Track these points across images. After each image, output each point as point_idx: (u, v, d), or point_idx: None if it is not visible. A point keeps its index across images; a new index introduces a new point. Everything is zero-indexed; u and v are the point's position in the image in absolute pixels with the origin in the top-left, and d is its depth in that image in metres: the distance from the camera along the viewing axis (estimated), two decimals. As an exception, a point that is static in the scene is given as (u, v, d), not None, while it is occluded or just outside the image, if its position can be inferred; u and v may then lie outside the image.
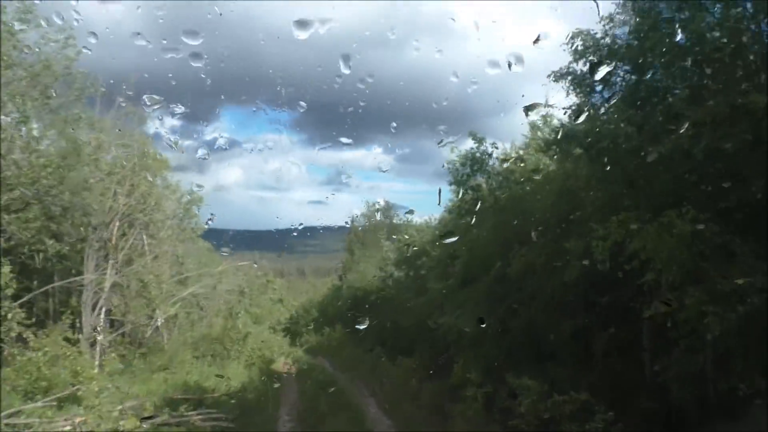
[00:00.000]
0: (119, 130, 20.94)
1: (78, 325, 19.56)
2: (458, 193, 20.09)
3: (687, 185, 10.28)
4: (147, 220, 24.55)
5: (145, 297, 21.87)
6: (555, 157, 16.54)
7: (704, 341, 9.79)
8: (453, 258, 24.39)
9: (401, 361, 27.91)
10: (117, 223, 21.24)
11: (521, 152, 19.03)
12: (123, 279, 20.97)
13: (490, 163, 19.36)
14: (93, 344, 20.45)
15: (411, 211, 36.31)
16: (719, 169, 9.76)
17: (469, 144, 19.50)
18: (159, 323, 25.93)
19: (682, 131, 10.15)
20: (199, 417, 14.09)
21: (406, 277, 36.99)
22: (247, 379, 23.68)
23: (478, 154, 19.39)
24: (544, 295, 16.65)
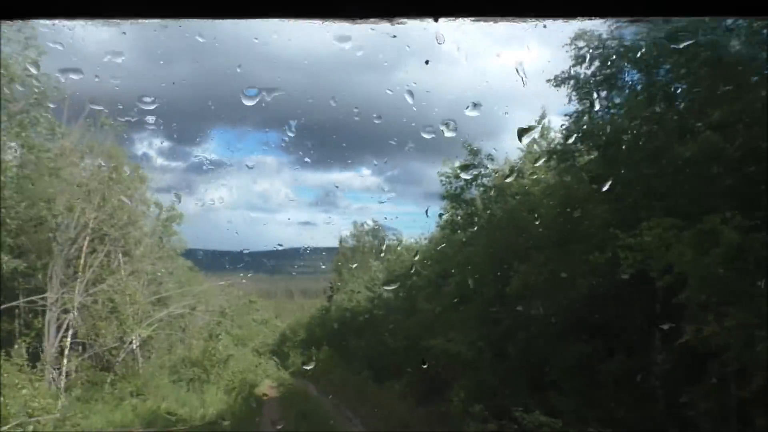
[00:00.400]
0: (85, 145, 19.31)
1: (40, 348, 17.78)
2: (451, 207, 18.68)
3: (720, 189, 8.84)
4: (119, 236, 22.87)
5: (116, 318, 20.08)
6: (554, 168, 15.15)
7: (744, 371, 8.29)
8: (445, 277, 22.86)
9: (390, 384, 26.18)
10: (86, 240, 19.50)
11: (518, 163, 17.65)
12: (91, 299, 19.20)
13: (485, 176, 17.97)
14: (58, 369, 18.62)
15: (399, 238, 34.97)
16: (757, 171, 8.36)
17: (463, 155, 18.17)
18: (135, 346, 24.10)
19: (708, 131, 8.72)
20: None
21: (395, 297, 35.37)
22: (226, 405, 21.85)
23: (472, 167, 18.01)
24: (544, 316, 15.14)
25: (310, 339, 51.24)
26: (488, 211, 17.39)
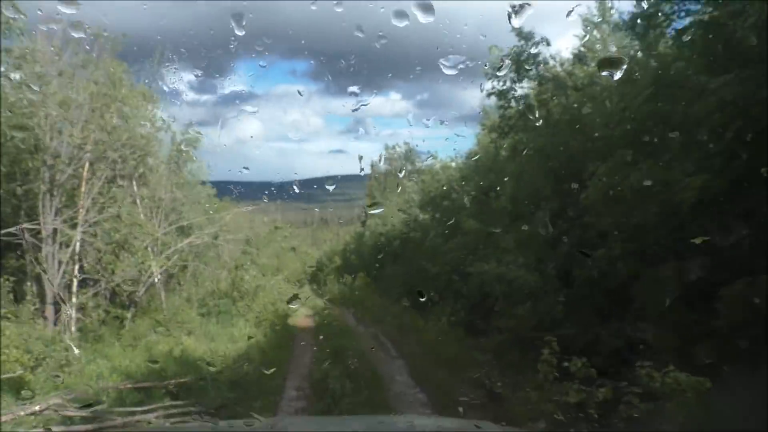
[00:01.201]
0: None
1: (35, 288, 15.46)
2: (498, 107, 15.31)
3: None
4: (124, 160, 20.14)
5: (127, 250, 17.57)
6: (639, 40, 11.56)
7: None
8: (488, 193, 19.69)
9: (431, 311, 23.63)
10: (86, 164, 16.76)
11: (582, 49, 14.03)
12: (93, 230, 16.64)
13: (540, 62, 14.41)
14: (66, 309, 16.33)
15: (434, 156, 31.34)
16: None
17: (512, 41, 14.59)
18: (156, 279, 21.79)
19: None
20: (159, 414, 9.87)
21: (431, 219, 32.43)
22: (254, 339, 19.51)
23: (524, 56, 14.52)
24: (623, 234, 11.98)
25: (346, 266, 49.11)
26: (545, 109, 14.00)
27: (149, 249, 21.18)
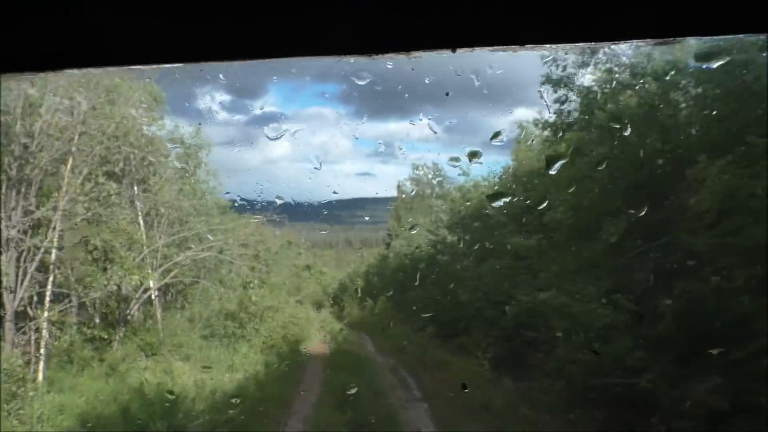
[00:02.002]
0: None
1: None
2: (555, 100, 12.24)
3: None
4: (109, 157, 17.50)
5: (110, 261, 14.75)
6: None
7: None
8: (532, 209, 16.45)
9: (460, 343, 20.36)
10: (69, 160, 14.05)
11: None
12: (73, 236, 13.87)
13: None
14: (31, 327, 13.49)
15: (465, 172, 28.21)
16: None
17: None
18: (154, 296, 18.97)
19: None
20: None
21: (460, 241, 29.25)
22: (255, 371, 16.49)
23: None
24: (729, 256, 8.75)
25: (368, 288, 45.94)
26: (615, 102, 10.86)
27: (146, 261, 18.44)
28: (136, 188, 19.03)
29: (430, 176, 50.14)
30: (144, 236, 18.89)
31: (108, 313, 17.24)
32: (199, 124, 20.32)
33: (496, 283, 19.19)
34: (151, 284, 18.45)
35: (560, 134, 12.04)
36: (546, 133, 12.56)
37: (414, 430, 11.43)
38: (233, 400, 10.90)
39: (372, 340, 28.09)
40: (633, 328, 9.76)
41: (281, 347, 19.86)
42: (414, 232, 35.42)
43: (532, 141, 24.03)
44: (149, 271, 18.31)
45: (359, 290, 48.52)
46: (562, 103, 12.17)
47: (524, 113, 26.39)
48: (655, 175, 10.62)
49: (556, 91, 11.71)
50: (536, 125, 24.14)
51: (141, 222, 19.14)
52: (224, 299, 19.94)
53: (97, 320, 16.92)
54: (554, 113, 12.25)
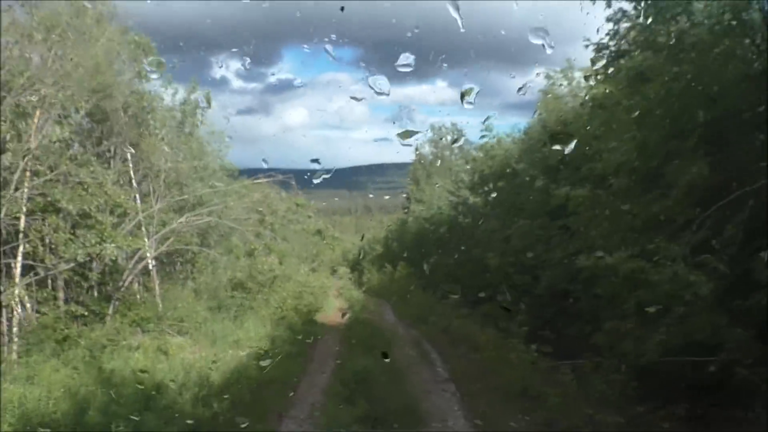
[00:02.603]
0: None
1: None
2: (608, 19, 9.62)
3: None
4: (120, 119, 15.48)
5: (90, 226, 12.66)
6: None
7: None
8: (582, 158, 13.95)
9: (489, 313, 18.19)
10: (37, 113, 11.88)
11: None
12: (42, 198, 11.77)
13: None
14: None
15: (488, 128, 25.33)
16: None
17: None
18: (151, 265, 16.97)
19: None
20: None
21: (484, 203, 26.83)
22: (261, 346, 14.49)
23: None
24: None
25: (387, 254, 43.85)
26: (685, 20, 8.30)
27: (143, 228, 16.42)
28: (125, 147, 16.90)
29: (449, 137, 47.36)
30: (138, 200, 16.86)
31: (100, 286, 15.33)
32: (197, 82, 18.04)
33: (528, 246, 16.83)
34: (148, 253, 16.45)
35: (617, 59, 9.45)
36: (598, 64, 9.86)
37: (443, 420, 9.26)
38: (225, 396, 8.81)
39: (392, 308, 26.05)
40: (722, 298, 7.40)
41: (293, 319, 17.85)
42: (434, 193, 33.05)
43: (569, 83, 21.32)
44: (146, 239, 16.31)
45: (378, 257, 46.47)
46: (617, 22, 9.58)
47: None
48: (742, 105, 8.10)
49: (610, 5, 9.11)
50: (565, 75, 21.53)
51: (134, 184, 17.08)
52: (230, 268, 17.87)
53: (90, 294, 15.03)
54: (607, 35, 9.62)
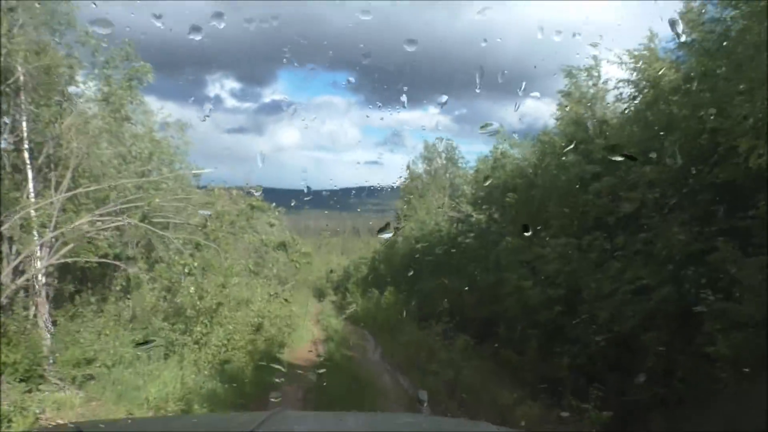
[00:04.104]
0: None
1: None
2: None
3: None
4: None
5: None
6: None
7: None
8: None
9: (507, 356, 12.98)
10: None
11: None
12: None
13: None
14: None
15: (499, 128, 19.29)
16: None
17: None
18: (39, 283, 11.57)
19: None
20: None
21: (488, 220, 21.72)
22: (192, 399, 9.13)
23: None
24: None
25: (374, 277, 38.42)
26: None
27: (35, 231, 11.09)
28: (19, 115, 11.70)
29: (443, 155, 42.35)
30: (32, 191, 11.56)
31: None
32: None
33: (567, 271, 11.71)
34: (37, 264, 11.10)
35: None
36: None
37: None
38: None
39: (377, 343, 20.63)
40: None
41: (241, 361, 12.41)
42: (430, 210, 27.89)
43: (594, 83, 16.62)
44: (36, 243, 10.98)
45: (363, 279, 40.97)
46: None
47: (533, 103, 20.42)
48: None
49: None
50: (589, 73, 17.01)
51: (29, 171, 11.79)
52: (158, 289, 12.45)
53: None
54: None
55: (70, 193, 11.48)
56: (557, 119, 17.97)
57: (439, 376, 12.51)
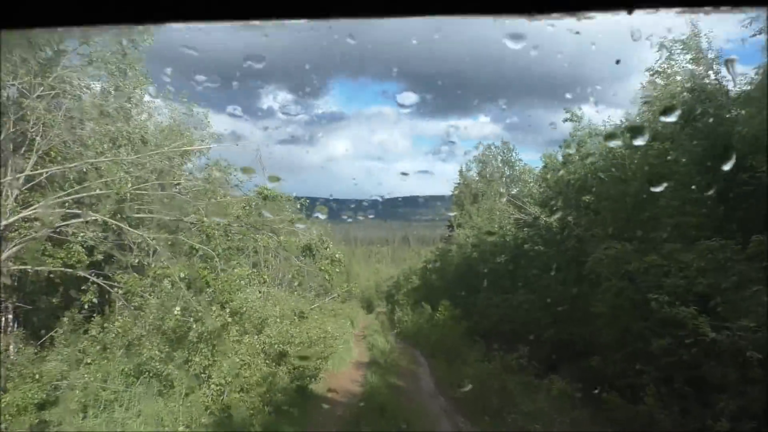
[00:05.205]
0: None
1: None
2: None
3: None
4: None
5: None
6: None
7: None
8: None
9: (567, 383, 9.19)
10: None
11: None
12: None
13: None
14: None
15: (575, 114, 15.58)
16: None
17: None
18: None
19: None
20: None
21: (562, 222, 17.79)
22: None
23: None
24: None
25: (426, 289, 34.57)
26: None
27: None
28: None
29: (499, 158, 38.32)
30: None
31: None
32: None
33: (683, 284, 7.88)
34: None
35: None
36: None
37: None
38: None
39: (431, 369, 16.96)
40: None
41: (252, 404, 9.07)
42: (492, 211, 24.06)
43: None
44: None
45: (415, 292, 37.26)
46: None
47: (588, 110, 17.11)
48: None
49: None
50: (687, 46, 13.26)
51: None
52: (150, 306, 9.32)
53: None
54: None
55: (23, 174, 8.48)
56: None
57: (517, 424, 8.78)
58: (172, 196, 8.32)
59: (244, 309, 9.29)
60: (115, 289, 7.96)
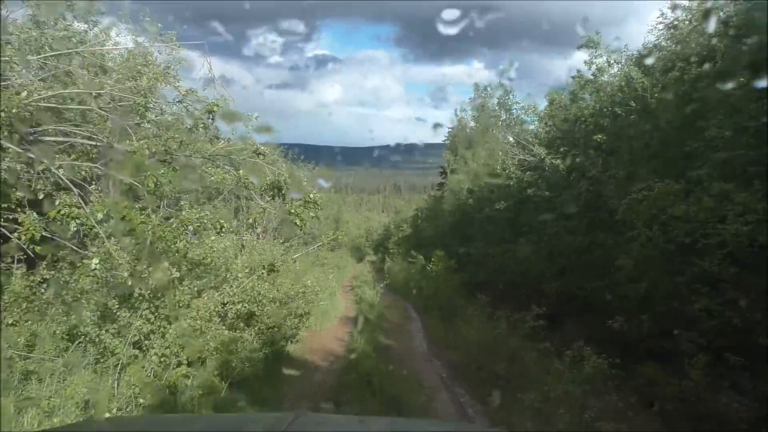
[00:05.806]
0: None
1: None
2: None
3: None
4: None
5: None
6: None
7: None
8: None
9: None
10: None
11: None
12: None
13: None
14: None
15: (592, 40, 12.94)
16: None
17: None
18: None
19: None
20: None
21: (572, 163, 15.80)
22: None
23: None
24: None
25: (416, 238, 32.79)
26: None
27: None
28: None
29: (495, 100, 35.73)
30: None
31: None
32: None
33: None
34: None
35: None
36: None
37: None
38: None
39: (423, 324, 15.31)
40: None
41: (201, 381, 7.25)
42: (491, 152, 21.97)
43: None
44: None
45: (407, 240, 35.51)
46: None
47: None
48: None
49: None
50: None
51: None
52: (105, 261, 7.32)
53: None
54: None
55: None
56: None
57: (533, 403, 7.05)
58: (103, 115, 6.15)
59: (197, 261, 7.34)
60: (15, 234, 5.96)
